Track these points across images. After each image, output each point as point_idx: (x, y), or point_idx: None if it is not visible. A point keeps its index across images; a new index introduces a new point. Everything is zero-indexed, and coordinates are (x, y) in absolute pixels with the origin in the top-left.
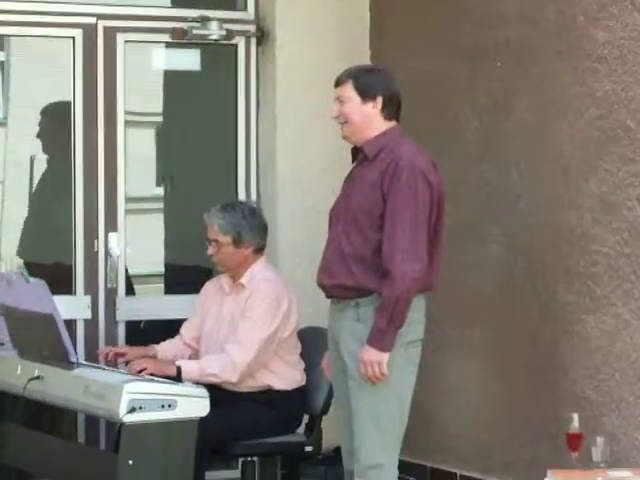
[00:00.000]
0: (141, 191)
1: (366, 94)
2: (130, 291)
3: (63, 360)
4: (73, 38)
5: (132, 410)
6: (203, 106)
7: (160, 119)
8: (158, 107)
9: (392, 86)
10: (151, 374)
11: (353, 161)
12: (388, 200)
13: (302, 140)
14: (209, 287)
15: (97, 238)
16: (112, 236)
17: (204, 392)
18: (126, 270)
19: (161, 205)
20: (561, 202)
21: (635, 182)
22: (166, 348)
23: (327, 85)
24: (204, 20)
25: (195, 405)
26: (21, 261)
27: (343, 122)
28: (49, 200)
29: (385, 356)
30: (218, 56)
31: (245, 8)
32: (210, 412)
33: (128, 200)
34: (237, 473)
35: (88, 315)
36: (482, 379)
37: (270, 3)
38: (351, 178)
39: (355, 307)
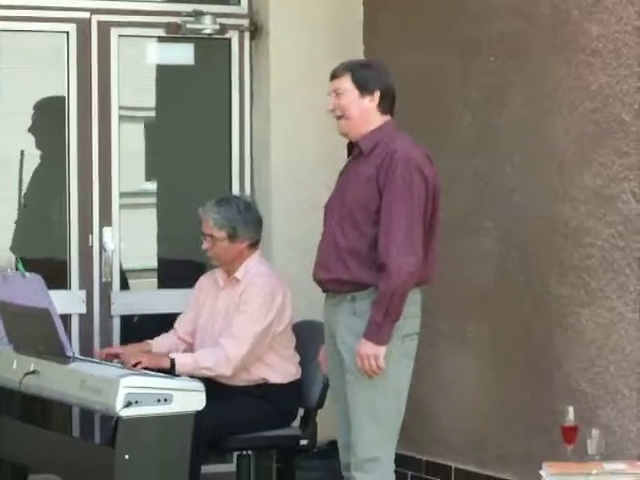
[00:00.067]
0: (135, 186)
1: (364, 88)
2: (124, 286)
3: (59, 354)
4: (67, 33)
5: (128, 404)
6: (197, 100)
7: (154, 113)
8: (152, 101)
9: (387, 80)
10: (146, 367)
11: (348, 156)
12: (384, 194)
13: (296, 134)
14: (203, 281)
15: (92, 233)
16: (107, 231)
17: (200, 386)
18: (120, 265)
19: (155, 200)
20: (555, 195)
21: (629, 175)
22: (160, 343)
23: (321, 79)
24: (198, 14)
25: (191, 399)
26: (16, 256)
27: (339, 115)
28: (44, 195)
29: (382, 349)
30: (212, 50)
31: (238, 2)
32: (205, 406)
33: (122, 195)
34: (232, 467)
35: (83, 310)
36: (477, 372)
37: None
38: (346, 172)
39: (351, 301)
